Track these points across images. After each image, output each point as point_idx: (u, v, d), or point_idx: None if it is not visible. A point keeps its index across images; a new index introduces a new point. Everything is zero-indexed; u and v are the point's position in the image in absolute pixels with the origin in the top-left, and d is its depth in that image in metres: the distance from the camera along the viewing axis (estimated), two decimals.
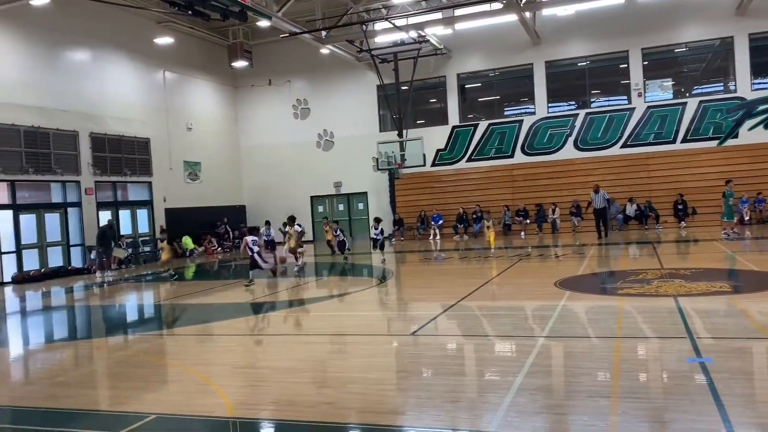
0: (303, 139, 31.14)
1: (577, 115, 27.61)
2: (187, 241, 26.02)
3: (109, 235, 21.61)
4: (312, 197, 31.61)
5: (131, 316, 13.98)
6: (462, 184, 28.73)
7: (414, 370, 7.28)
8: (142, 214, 26.09)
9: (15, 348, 10.80)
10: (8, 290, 18.73)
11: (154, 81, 27.16)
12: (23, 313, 15.09)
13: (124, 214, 25.24)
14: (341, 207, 31.61)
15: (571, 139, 27.60)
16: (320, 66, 30.27)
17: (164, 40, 26.59)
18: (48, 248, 21.88)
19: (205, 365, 8.08)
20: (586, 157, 27.24)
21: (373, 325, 10.33)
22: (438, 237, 27.42)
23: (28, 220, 21.33)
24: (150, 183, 26.19)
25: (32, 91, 21.25)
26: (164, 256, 19.08)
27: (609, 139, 27.11)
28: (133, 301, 15.86)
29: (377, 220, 19.94)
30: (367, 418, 5.55)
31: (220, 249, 27.90)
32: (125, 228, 24.99)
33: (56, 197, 22.67)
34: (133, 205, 25.76)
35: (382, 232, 19.89)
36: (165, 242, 19.04)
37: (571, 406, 5.57)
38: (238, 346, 9.40)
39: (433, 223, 27.96)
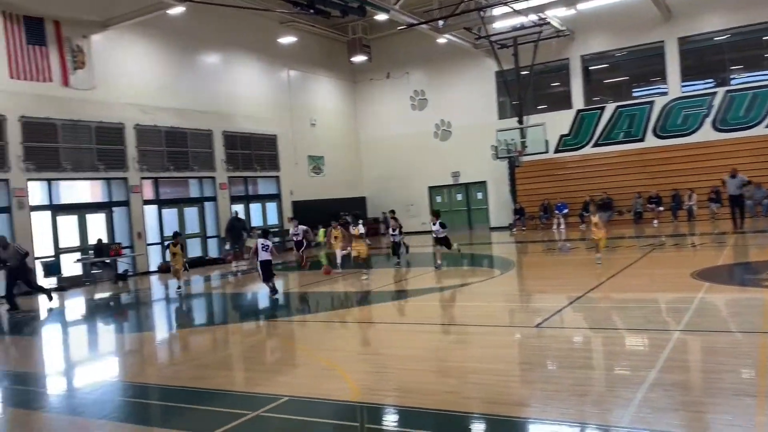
0: (421, 130, 31.27)
1: (715, 93, 25.55)
2: (321, 234, 27.12)
3: (237, 226, 22.91)
4: (430, 188, 31.68)
5: (263, 303, 14.74)
6: (588, 171, 27.57)
7: (538, 363, 7.11)
8: (271, 207, 27.42)
9: (160, 332, 11.75)
10: (154, 279, 20.38)
11: (279, 80, 28.38)
12: (167, 300, 16.37)
13: (255, 208, 26.66)
14: (459, 197, 31.44)
15: (708, 120, 25.61)
16: (437, 56, 30.20)
17: (287, 40, 27.68)
18: (188, 240, 23.57)
19: (331, 351, 8.37)
20: (727, 138, 25.15)
21: (494, 316, 10.21)
22: (562, 226, 26.54)
23: (170, 214, 23.11)
24: (278, 177, 27.46)
25: (171, 94, 22.92)
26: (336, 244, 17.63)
27: (753, 119, 24.86)
28: (265, 290, 16.69)
29: (435, 214, 16.65)
30: (491, 409, 5.50)
31: None
32: (256, 220, 26.38)
33: (194, 192, 24.36)
34: (263, 199, 27.13)
35: (399, 232, 18.09)
36: (338, 229, 17.58)
37: (711, 403, 5.21)
38: (361, 334, 9.64)
39: (557, 212, 27.08)
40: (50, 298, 15.52)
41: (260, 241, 13.03)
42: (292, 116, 28.60)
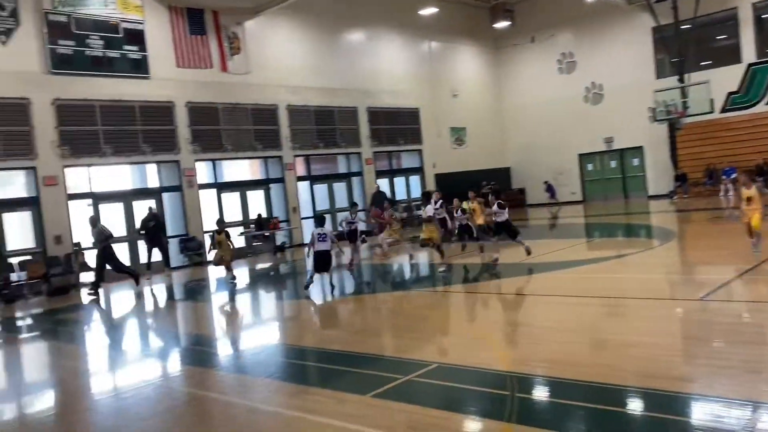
0: (569, 95, 29.86)
1: None
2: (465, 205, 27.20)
3: (378, 199, 23.38)
4: (580, 155, 30.27)
5: (409, 274, 15.02)
6: (761, 132, 24.85)
7: (703, 337, 6.61)
8: (415, 180, 27.74)
9: (317, 300, 12.38)
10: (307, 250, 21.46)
11: (421, 52, 28.40)
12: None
13: (399, 181, 27.11)
14: (613, 164, 29.74)
15: None
16: (586, 15, 28.56)
17: (428, 11, 27.54)
18: (337, 213, 24.53)
19: (480, 321, 8.37)
20: None
21: (654, 289, 9.60)
22: (731, 193, 24.24)
23: (320, 190, 24.18)
24: (420, 151, 27.66)
25: (319, 74, 23.79)
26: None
27: None
28: (409, 261, 16.99)
29: (496, 194, 13.92)
30: (652, 383, 5.20)
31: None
32: (400, 194, 26.83)
33: (342, 168, 25.26)
34: (407, 172, 27.50)
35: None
36: (476, 201, 16.60)
37: None
38: (511, 305, 9.51)
39: (724, 177, 24.77)
40: (137, 282, 15.12)
41: (316, 230, 11.90)
42: (434, 88, 28.56)
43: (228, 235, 14.89)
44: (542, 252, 14.39)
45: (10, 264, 15.63)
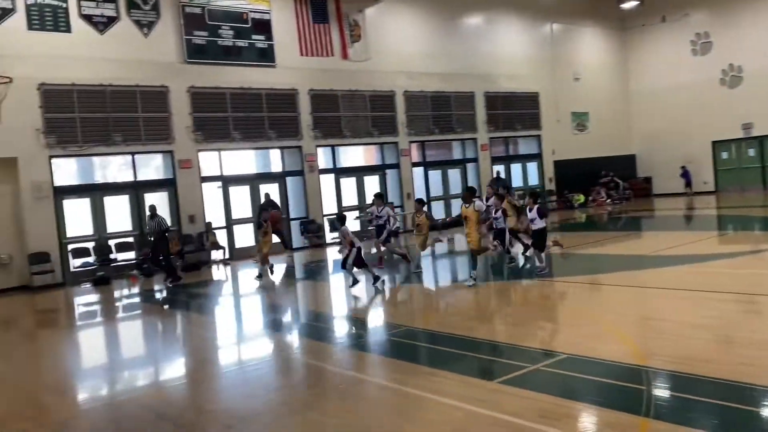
0: (703, 78, 27.81)
1: None
2: (580, 198, 26.42)
3: (497, 186, 22.92)
4: (714, 142, 28.16)
5: (523, 263, 14.69)
6: None
7: None
8: (532, 167, 27.03)
9: (431, 285, 12.41)
10: None
11: (541, 35, 27.52)
12: (433, 255, 17.21)
13: (515, 168, 26.52)
14: (751, 152, 27.43)
15: None
16: None
17: None
18: (451, 200, 24.45)
19: (606, 313, 8.03)
20: None
21: None
22: None
23: (435, 176, 24.17)
24: (539, 136, 26.89)
25: (436, 60, 23.69)
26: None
27: None
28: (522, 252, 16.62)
29: (534, 197, 12.22)
30: None
31: (609, 201, 27.23)
32: (516, 181, 26.27)
33: (457, 154, 25.09)
34: (524, 159, 26.86)
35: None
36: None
37: None
38: (641, 299, 9.06)
39: None
40: (174, 280, 14.24)
41: (343, 229, 11.70)
42: (554, 72, 27.59)
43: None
44: (673, 244, 13.59)
45: (150, 241, 16.87)
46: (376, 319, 9.43)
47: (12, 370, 7.91)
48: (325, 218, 20.56)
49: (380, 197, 14.55)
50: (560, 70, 27.77)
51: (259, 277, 13.79)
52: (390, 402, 5.44)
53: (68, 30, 16.35)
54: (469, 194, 11.50)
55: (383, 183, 22.63)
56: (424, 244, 13.18)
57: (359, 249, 11.41)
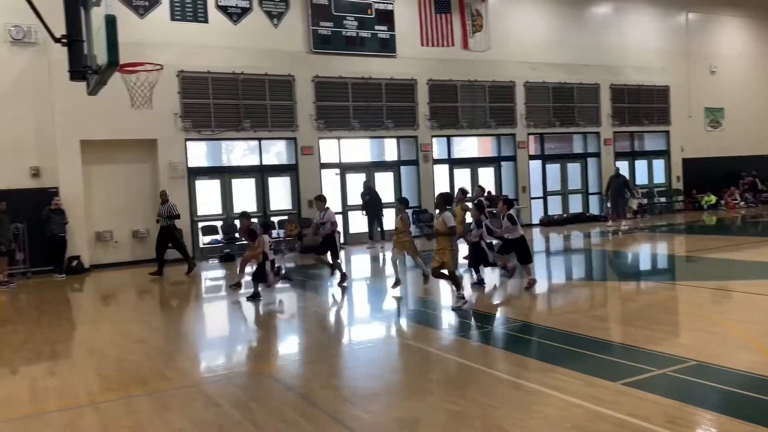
0: None
1: None
2: (711, 199, 24.82)
3: (616, 185, 21.95)
4: None
5: (644, 263, 14.03)
6: None
7: None
8: (658, 164, 25.62)
9: (547, 282, 12.13)
10: (536, 231, 21.13)
11: (675, 24, 25.92)
12: (548, 252, 16.83)
13: (640, 165, 25.26)
14: None
15: None
16: None
17: None
18: (569, 195, 23.71)
19: (737, 321, 7.54)
20: None
21: None
22: None
23: (553, 170, 23.52)
24: (667, 132, 25.41)
25: (559, 50, 22.98)
26: None
27: None
28: (647, 250, 15.86)
29: (507, 202, 11.16)
30: None
31: (743, 203, 25.32)
32: (640, 178, 25.04)
33: (577, 148, 24.26)
34: (649, 155, 25.51)
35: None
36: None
37: None
38: None
39: None
40: (190, 269, 14.38)
41: (262, 238, 10.65)
42: (688, 64, 25.93)
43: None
44: None
45: (273, 222, 17.68)
46: (494, 312, 9.38)
47: (152, 334, 8.62)
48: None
49: (321, 199, 12.02)
50: (694, 62, 26.09)
51: (236, 285, 11.75)
52: (509, 394, 5.43)
53: (206, 20, 17.42)
54: (440, 201, 9.60)
55: (498, 175, 22.35)
56: (412, 251, 10.92)
57: (272, 262, 10.28)
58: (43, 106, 15.37)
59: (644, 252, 15.61)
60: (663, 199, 25.29)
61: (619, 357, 6.31)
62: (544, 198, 23.22)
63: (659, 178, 25.58)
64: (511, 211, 10.73)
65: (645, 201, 24.16)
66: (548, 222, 22.39)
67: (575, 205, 23.80)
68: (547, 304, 9.94)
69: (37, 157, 15.48)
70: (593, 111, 23.66)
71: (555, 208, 23.40)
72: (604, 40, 23.96)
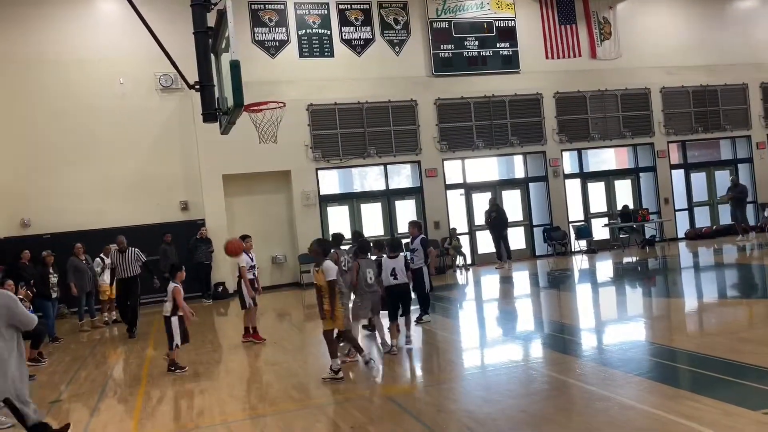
0: None
1: None
2: None
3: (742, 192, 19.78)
4: None
5: None
6: None
7: None
8: None
9: (690, 300, 11.25)
10: (682, 245, 19.66)
11: None
12: (696, 267, 15.59)
13: None
14: None
15: None
16: None
17: None
18: (719, 206, 21.85)
19: None
20: None
21: None
22: None
23: (698, 179, 21.83)
24: None
25: (698, 51, 21.44)
26: None
27: None
28: None
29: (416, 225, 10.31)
30: None
31: None
32: None
33: (726, 154, 22.37)
34: None
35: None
36: None
37: None
38: None
39: None
40: (131, 334, 11.72)
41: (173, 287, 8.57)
42: None
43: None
44: None
45: (401, 242, 17.90)
46: (625, 333, 8.86)
47: (284, 357, 9.04)
48: (570, 225, 19.90)
49: (245, 238, 10.25)
50: None
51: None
52: (635, 423, 5.07)
53: (331, 54, 18.26)
54: (318, 249, 7.39)
55: (636, 187, 21.15)
56: (340, 323, 7.33)
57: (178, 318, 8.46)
58: (189, 146, 16.85)
59: None
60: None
61: (765, 383, 5.69)
62: (690, 210, 21.61)
63: None
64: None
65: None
66: (695, 235, 20.77)
67: (726, 217, 21.87)
68: (681, 323, 9.20)
69: (185, 192, 16.98)
70: (742, 113, 21.77)
71: (703, 220, 21.68)
72: (751, 36, 22.08)
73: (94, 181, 16.31)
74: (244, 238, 10.27)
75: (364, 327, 9.22)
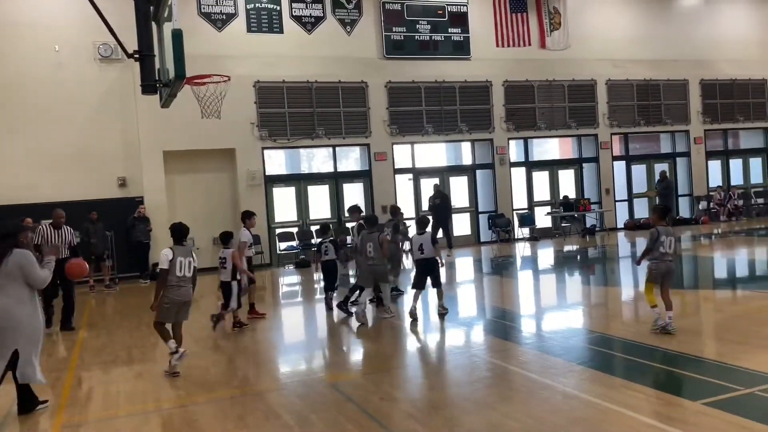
0: None
1: None
2: None
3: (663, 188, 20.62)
4: None
5: (740, 270, 13.06)
6: None
7: None
8: (755, 163, 23.95)
9: (627, 289, 11.50)
10: (621, 235, 20.18)
11: None
12: (633, 257, 15.98)
13: (735, 164, 23.69)
14: None
15: None
16: None
17: None
18: (657, 198, 22.49)
19: None
20: None
21: None
22: None
23: (638, 170, 22.43)
24: (765, 129, 23.72)
25: (644, 46, 21.89)
26: None
27: None
28: (744, 255, 14.78)
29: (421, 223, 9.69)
30: None
31: None
32: (736, 178, 23.48)
33: (665, 147, 23.05)
34: (745, 154, 23.90)
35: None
36: None
37: None
38: None
39: None
40: (67, 326, 9.91)
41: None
42: None
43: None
44: None
45: (346, 228, 17.76)
46: (564, 321, 8.97)
47: (225, 342, 8.77)
48: (514, 213, 20.15)
49: (226, 236, 9.34)
50: None
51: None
52: (578, 412, 5.09)
53: (281, 31, 17.78)
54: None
55: (579, 177, 21.56)
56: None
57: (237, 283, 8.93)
58: (129, 120, 16.15)
59: (740, 257, 14.56)
60: (761, 201, 23.59)
61: (700, 373, 5.82)
62: (629, 201, 22.19)
63: (757, 178, 23.93)
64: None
65: (741, 202, 22.63)
66: (634, 225, 21.35)
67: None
68: (618, 312, 9.40)
69: (124, 167, 16.29)
70: (682, 108, 22.44)
71: (642, 211, 22.30)
72: (694, 34, 22.69)
73: (25, 153, 15.44)
74: (250, 215, 10.04)
75: (370, 301, 9.87)
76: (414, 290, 9.25)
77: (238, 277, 8.94)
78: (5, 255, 5.59)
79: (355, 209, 11.49)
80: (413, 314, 8.98)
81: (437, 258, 9.14)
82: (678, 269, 13.62)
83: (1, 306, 5.51)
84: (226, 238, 9.20)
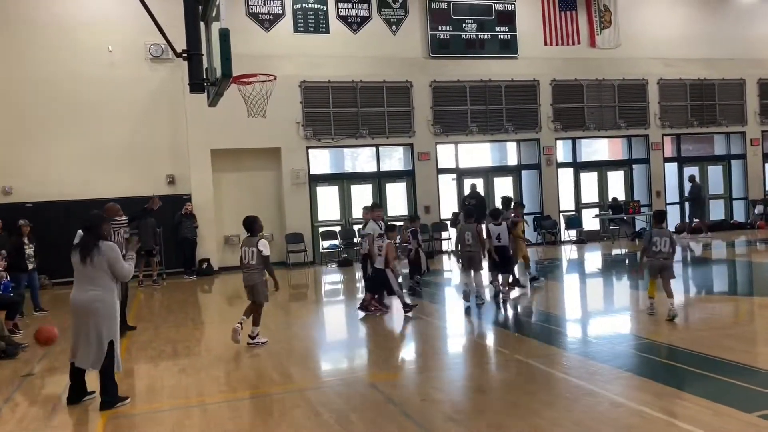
0: None
1: None
2: None
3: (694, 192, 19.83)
4: None
5: None
6: None
7: None
8: None
9: (677, 295, 11.11)
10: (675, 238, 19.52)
11: None
12: (684, 261, 15.51)
13: None
14: None
15: None
16: None
17: None
18: (711, 201, 21.78)
19: None
20: None
21: None
22: None
23: (691, 173, 21.68)
24: None
25: (698, 45, 21.23)
26: None
27: None
28: None
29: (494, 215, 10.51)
30: None
31: None
32: None
33: (719, 149, 22.29)
34: None
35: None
36: None
37: None
38: None
39: None
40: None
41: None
42: None
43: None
44: None
45: (394, 225, 17.70)
46: (613, 327, 8.73)
47: (268, 337, 8.83)
48: (561, 215, 19.79)
49: (375, 207, 11.02)
50: None
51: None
52: (624, 420, 4.93)
53: (327, 31, 17.87)
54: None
55: (629, 179, 21.03)
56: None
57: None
58: (178, 119, 16.48)
59: None
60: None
61: (759, 384, 5.56)
62: (681, 204, 21.52)
63: None
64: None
65: None
66: (684, 229, 20.69)
67: (717, 212, 21.87)
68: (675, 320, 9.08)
69: (172, 165, 16.62)
70: (738, 109, 21.66)
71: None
72: (750, 32, 21.90)
73: (79, 151, 15.93)
74: (375, 207, 10.91)
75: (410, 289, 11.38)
76: (493, 273, 10.48)
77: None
78: (93, 248, 5.75)
79: (414, 217, 13.02)
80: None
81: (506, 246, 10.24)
82: (731, 275, 13.20)
83: (99, 297, 5.75)
84: (390, 227, 10.22)
